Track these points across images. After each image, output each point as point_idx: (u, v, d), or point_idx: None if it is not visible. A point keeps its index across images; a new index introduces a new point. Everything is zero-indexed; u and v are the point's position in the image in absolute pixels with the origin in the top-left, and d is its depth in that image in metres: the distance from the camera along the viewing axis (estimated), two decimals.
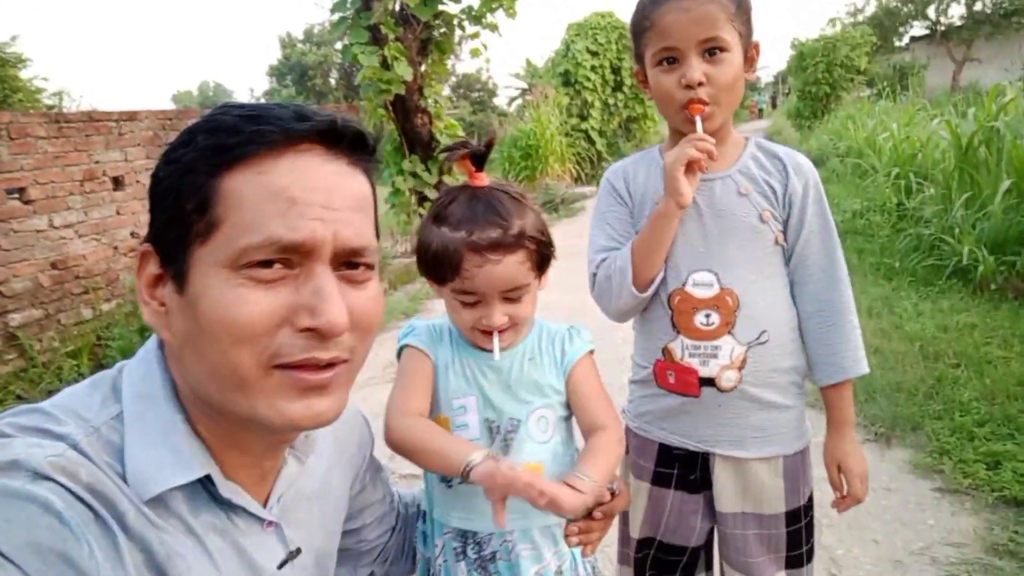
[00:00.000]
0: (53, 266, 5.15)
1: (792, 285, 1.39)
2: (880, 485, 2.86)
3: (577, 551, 1.18)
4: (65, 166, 5.26)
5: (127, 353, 0.70)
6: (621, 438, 1.18)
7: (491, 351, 1.15)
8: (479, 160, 1.15)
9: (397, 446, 1.10)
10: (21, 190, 4.95)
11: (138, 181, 5.87)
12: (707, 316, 1.34)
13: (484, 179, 1.15)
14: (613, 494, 1.17)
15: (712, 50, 1.25)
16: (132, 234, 5.82)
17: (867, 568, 2.40)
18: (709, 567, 1.56)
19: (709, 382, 1.35)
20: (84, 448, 0.66)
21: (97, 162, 5.54)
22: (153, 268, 0.72)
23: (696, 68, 1.25)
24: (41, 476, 0.61)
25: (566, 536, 1.13)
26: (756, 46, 1.34)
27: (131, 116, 5.90)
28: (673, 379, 1.38)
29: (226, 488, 0.76)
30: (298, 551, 0.87)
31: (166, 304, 0.72)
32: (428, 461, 1.11)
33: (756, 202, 1.34)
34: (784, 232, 1.37)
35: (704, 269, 1.35)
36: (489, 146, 1.17)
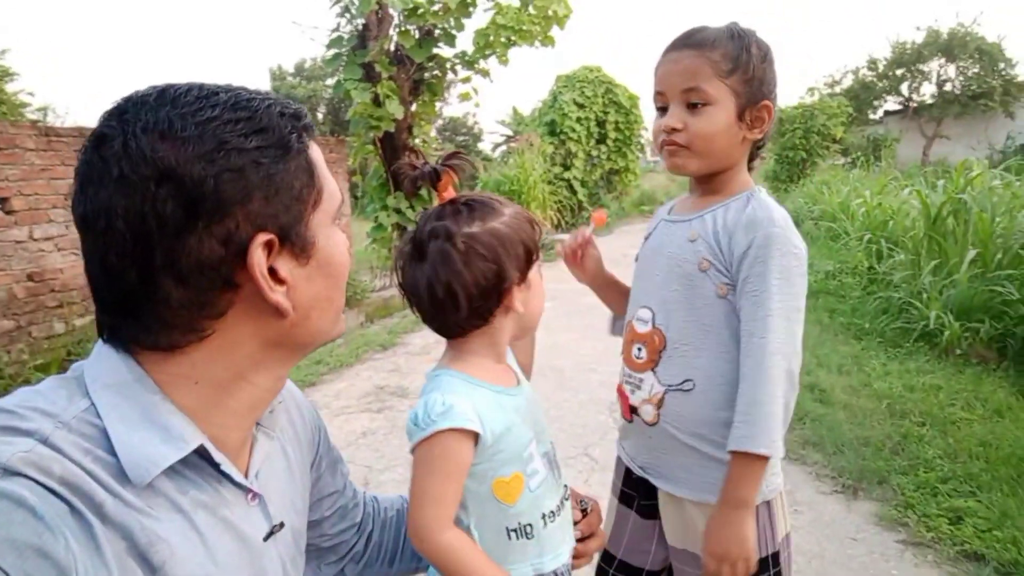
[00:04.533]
0: (29, 278, 5.10)
1: None
2: (847, 535, 2.91)
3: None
4: (51, 179, 5.25)
5: None
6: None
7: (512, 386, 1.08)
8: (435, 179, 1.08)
9: (432, 561, 0.99)
10: (4, 200, 4.93)
11: None
12: (639, 349, 1.41)
13: (450, 194, 1.09)
14: (585, 512, 1.21)
15: (695, 101, 1.30)
16: None
17: None
18: None
19: (635, 411, 1.42)
20: (54, 442, 0.65)
21: None
22: (262, 259, 0.73)
23: (674, 114, 1.32)
24: (12, 472, 0.61)
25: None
26: (765, 107, 1.32)
27: None
28: (619, 401, 1.48)
29: (218, 455, 0.77)
30: (281, 524, 0.88)
31: (287, 282, 0.77)
32: None
33: (698, 250, 1.33)
34: (734, 287, 1.32)
35: (645, 306, 1.42)
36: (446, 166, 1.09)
